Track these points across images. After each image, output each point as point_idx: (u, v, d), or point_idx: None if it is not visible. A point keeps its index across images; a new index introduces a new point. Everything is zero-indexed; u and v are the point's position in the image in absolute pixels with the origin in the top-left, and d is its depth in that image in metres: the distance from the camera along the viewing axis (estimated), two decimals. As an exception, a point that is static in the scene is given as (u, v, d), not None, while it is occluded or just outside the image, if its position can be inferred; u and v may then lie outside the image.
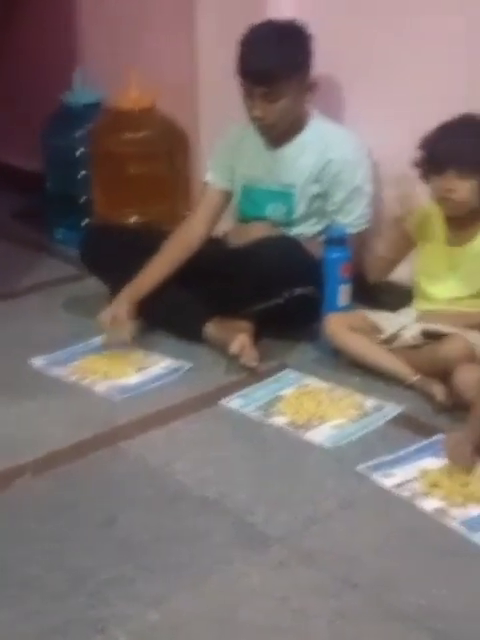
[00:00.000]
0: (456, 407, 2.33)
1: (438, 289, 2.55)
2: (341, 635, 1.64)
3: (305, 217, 2.75)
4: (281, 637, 1.66)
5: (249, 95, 2.63)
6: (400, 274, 2.69)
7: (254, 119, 2.66)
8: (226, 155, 2.84)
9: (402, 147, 2.49)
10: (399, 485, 2.06)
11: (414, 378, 2.44)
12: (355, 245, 2.65)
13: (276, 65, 2.57)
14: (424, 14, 2.60)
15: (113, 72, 3.32)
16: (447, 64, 2.58)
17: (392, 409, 2.37)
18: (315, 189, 2.71)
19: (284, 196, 2.74)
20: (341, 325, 2.56)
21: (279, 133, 2.70)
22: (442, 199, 2.45)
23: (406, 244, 2.62)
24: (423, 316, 2.53)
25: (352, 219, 2.71)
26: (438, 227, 2.54)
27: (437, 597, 1.72)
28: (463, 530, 1.91)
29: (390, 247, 2.63)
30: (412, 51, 2.66)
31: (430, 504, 1.99)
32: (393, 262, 2.66)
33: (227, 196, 2.85)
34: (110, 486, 2.09)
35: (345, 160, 2.67)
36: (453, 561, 1.83)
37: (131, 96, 3.26)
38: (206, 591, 1.77)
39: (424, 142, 2.46)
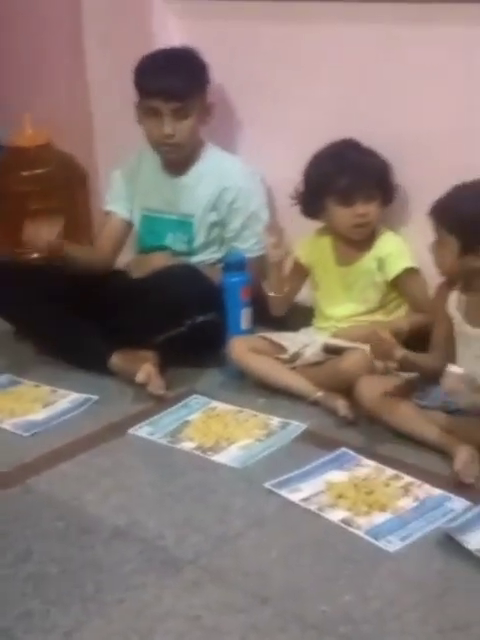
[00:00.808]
0: (359, 419, 2.40)
1: (335, 309, 2.63)
2: (253, 650, 1.68)
3: (205, 245, 2.81)
4: (195, 656, 1.68)
5: (157, 115, 2.67)
6: (299, 295, 2.75)
7: (163, 138, 2.69)
8: (124, 185, 2.88)
9: (295, 173, 2.57)
10: (306, 499, 2.10)
11: (318, 394, 2.50)
12: (254, 269, 2.71)
13: (185, 80, 2.66)
14: (314, 47, 2.68)
15: (8, 111, 3.34)
16: (336, 95, 2.67)
17: (297, 426, 2.42)
18: (213, 217, 2.77)
19: (184, 225, 2.79)
20: (245, 348, 2.61)
21: (182, 157, 2.75)
22: (355, 226, 2.53)
23: (297, 278, 2.69)
24: (339, 332, 2.59)
25: (250, 245, 2.77)
26: (327, 251, 2.62)
27: (343, 603, 1.76)
28: (368, 537, 1.96)
29: (281, 286, 2.68)
30: (303, 82, 2.74)
31: (336, 515, 2.04)
32: (288, 297, 2.71)
33: (128, 225, 2.89)
34: (21, 522, 2.08)
35: (239, 188, 2.73)
36: (358, 568, 1.87)
37: (27, 134, 3.28)
38: (119, 617, 1.78)
39: (318, 178, 2.52)
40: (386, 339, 2.23)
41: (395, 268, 2.52)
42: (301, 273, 2.70)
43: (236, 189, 2.72)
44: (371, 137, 2.52)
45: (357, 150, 2.52)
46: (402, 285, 2.56)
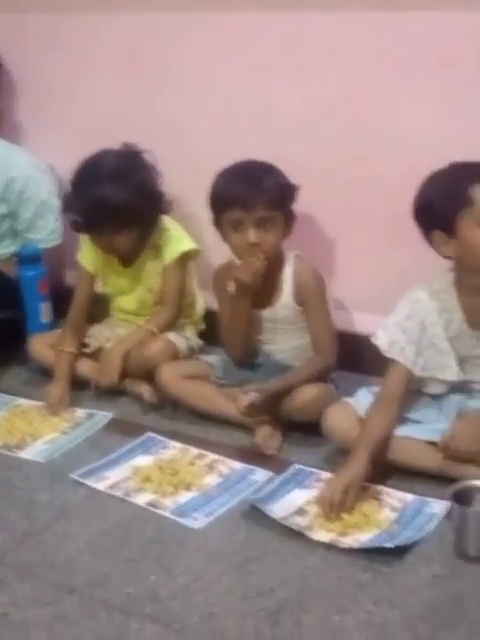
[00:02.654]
0: (162, 404, 2.43)
1: (127, 303, 2.62)
2: (61, 638, 1.66)
3: (-3, 239, 2.75)
4: (2, 654, 1.65)
5: None
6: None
7: None
8: None
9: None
10: (112, 486, 2.10)
11: (124, 381, 2.50)
12: (50, 260, 2.67)
13: None
14: (88, 36, 2.69)
15: None
16: (112, 84, 2.70)
17: (103, 416, 2.42)
18: (2, 209, 2.70)
19: (-29, 218, 2.72)
20: (45, 344, 2.58)
21: None
22: (104, 249, 2.49)
23: (88, 283, 2.58)
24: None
25: (44, 235, 2.73)
26: (110, 258, 2.55)
27: (149, 584, 1.77)
28: (174, 517, 1.98)
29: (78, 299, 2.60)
30: (80, 71, 2.74)
31: (143, 498, 2.05)
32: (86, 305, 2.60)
33: None
34: None
35: (28, 176, 2.68)
36: (164, 548, 1.88)
37: None
38: None
39: (69, 208, 2.47)
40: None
41: (171, 254, 2.50)
42: (90, 278, 2.59)
43: (24, 178, 2.68)
44: (146, 121, 2.56)
45: (97, 180, 2.37)
46: (167, 272, 2.51)
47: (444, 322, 2.04)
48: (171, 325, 2.52)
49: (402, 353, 2.05)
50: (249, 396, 2.18)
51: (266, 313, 2.32)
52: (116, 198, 2.34)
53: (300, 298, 2.28)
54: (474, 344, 2.06)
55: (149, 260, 2.54)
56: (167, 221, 2.54)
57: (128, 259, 2.55)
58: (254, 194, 2.19)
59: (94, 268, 2.58)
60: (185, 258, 2.53)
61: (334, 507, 1.91)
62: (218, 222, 2.26)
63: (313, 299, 2.27)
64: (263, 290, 2.29)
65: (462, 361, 2.06)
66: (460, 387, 2.10)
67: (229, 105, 2.52)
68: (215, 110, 2.54)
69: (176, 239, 2.52)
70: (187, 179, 2.52)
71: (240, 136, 2.48)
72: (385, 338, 2.07)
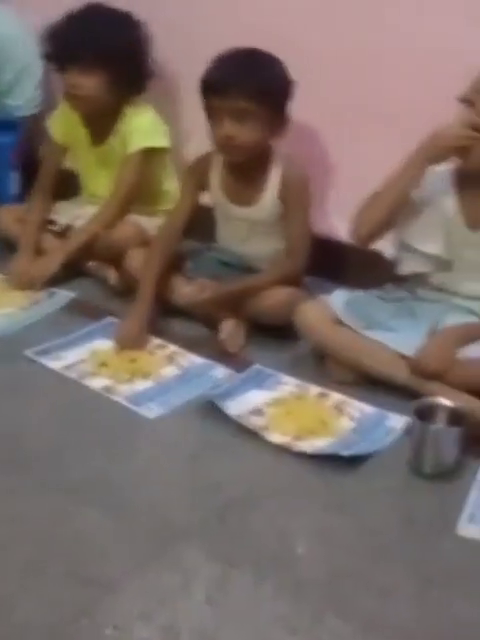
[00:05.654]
0: (127, 290, 2.35)
1: (96, 186, 2.51)
2: (6, 513, 1.61)
3: (-29, 102, 2.61)
4: None
5: None
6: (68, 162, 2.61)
7: None
8: None
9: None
10: (68, 367, 2.04)
11: (89, 263, 2.42)
12: (26, 130, 2.55)
13: None
14: None
15: None
16: None
17: (64, 296, 2.34)
18: None
19: None
20: (12, 217, 2.49)
21: None
22: (68, 95, 2.37)
23: (57, 155, 2.50)
24: None
25: (22, 102, 2.61)
26: (80, 130, 2.46)
27: (98, 468, 1.73)
28: (128, 404, 1.93)
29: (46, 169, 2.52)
30: None
31: (98, 383, 2.00)
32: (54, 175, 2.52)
33: None
34: None
35: (10, 36, 2.55)
36: (116, 434, 1.84)
37: None
38: None
39: (48, 34, 2.33)
40: None
41: (134, 145, 2.36)
42: (58, 148, 2.49)
43: (6, 37, 2.54)
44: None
45: (91, 15, 2.28)
46: (125, 162, 2.37)
47: (445, 203, 1.98)
48: (115, 221, 2.37)
49: None
50: (200, 292, 2.09)
51: (245, 212, 2.22)
52: (91, 30, 2.24)
53: (283, 200, 2.17)
54: (464, 239, 1.99)
55: (117, 144, 2.41)
56: (143, 109, 2.40)
57: (97, 135, 2.43)
58: (235, 81, 2.04)
59: (63, 138, 2.47)
60: (149, 153, 2.38)
61: None
62: (205, 108, 2.15)
63: (295, 200, 2.16)
64: (245, 188, 2.19)
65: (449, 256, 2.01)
66: (439, 295, 2.05)
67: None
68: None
69: (143, 131, 2.37)
70: (183, 60, 2.39)
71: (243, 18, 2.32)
72: None
